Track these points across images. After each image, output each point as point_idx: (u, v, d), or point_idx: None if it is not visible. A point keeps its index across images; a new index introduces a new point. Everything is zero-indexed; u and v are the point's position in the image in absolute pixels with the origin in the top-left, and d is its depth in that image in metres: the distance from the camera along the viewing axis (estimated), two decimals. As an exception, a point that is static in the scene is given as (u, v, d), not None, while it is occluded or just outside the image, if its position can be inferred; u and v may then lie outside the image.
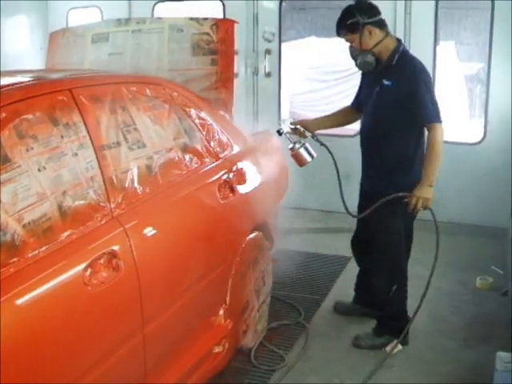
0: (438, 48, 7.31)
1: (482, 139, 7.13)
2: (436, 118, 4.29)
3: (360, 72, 4.76)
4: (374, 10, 4.42)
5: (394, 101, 4.37)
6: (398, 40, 4.49)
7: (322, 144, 4.63)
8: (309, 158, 4.58)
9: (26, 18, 8.80)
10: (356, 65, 4.54)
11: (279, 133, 4.62)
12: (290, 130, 4.68)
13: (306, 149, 4.56)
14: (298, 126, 4.69)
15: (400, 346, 4.61)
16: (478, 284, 5.78)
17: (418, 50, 6.95)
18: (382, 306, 4.78)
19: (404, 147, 4.42)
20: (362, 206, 4.74)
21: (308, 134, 4.68)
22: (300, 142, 4.57)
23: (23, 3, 8.62)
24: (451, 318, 5.14)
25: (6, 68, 4.33)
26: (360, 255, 5.07)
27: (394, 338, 4.67)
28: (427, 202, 4.28)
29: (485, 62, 7.33)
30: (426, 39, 7.15)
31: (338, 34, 4.47)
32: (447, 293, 5.44)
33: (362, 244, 4.97)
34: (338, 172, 4.64)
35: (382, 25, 4.41)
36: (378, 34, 4.36)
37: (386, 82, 4.41)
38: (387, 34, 4.42)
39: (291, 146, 4.58)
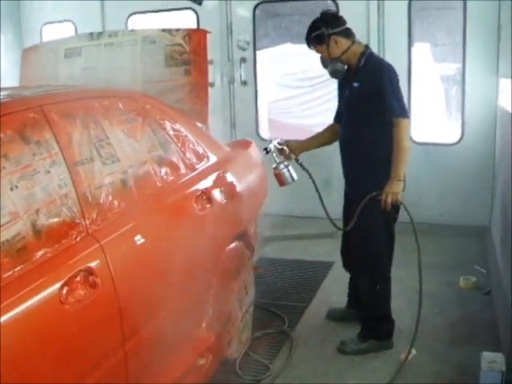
0: (412, 49, 7.33)
1: (460, 139, 7.16)
2: (400, 113, 4.36)
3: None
4: (339, 21, 4.60)
5: (362, 100, 4.49)
6: (366, 46, 4.63)
7: (304, 169, 4.76)
8: (289, 180, 4.70)
9: (0, 35, 8.76)
10: (328, 73, 4.69)
11: (266, 151, 4.75)
12: (276, 150, 4.77)
13: (289, 171, 4.69)
14: (285, 148, 4.78)
15: (414, 351, 4.57)
16: (462, 284, 5.80)
17: (393, 51, 7.04)
18: (365, 307, 4.79)
19: (377, 147, 4.47)
20: (346, 209, 4.82)
21: (293, 156, 4.80)
22: (284, 164, 4.69)
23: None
24: (436, 319, 5.15)
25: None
26: (349, 259, 5.03)
27: (379, 342, 4.71)
28: (397, 196, 4.35)
29: (460, 62, 7.36)
30: (400, 40, 7.20)
31: (308, 45, 4.64)
32: (431, 294, 5.44)
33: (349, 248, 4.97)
34: (319, 195, 4.79)
35: (347, 34, 4.57)
36: (343, 42, 4.53)
37: (354, 84, 4.56)
38: (353, 41, 4.56)
39: (275, 165, 4.71)
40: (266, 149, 4.76)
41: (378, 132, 4.45)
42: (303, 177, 4.76)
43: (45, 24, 8.84)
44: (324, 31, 4.49)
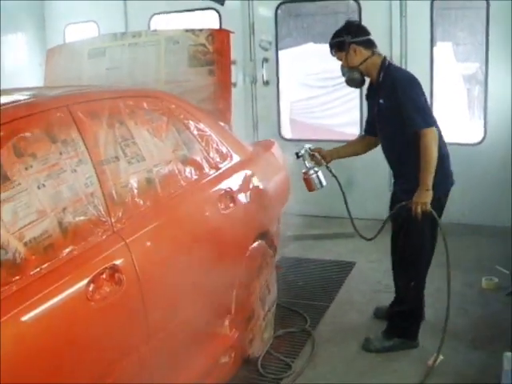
0: (434, 49, 7.31)
1: (483, 139, 7.13)
2: (422, 124, 4.38)
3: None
4: (361, 31, 4.66)
5: (389, 116, 4.56)
6: (384, 58, 4.66)
7: (333, 175, 4.82)
8: (318, 186, 4.76)
9: (24, 35, 8.84)
10: (345, 82, 4.81)
11: (297, 155, 4.79)
12: (307, 155, 4.81)
13: (318, 177, 4.74)
14: (316, 154, 4.82)
15: (441, 357, 4.53)
16: (484, 284, 5.77)
17: (415, 51, 7.02)
18: (397, 301, 4.83)
19: (415, 153, 4.44)
20: (392, 209, 4.84)
21: (323, 162, 4.84)
22: (314, 170, 4.75)
23: (21, 21, 8.66)
24: (458, 320, 5.11)
25: (4, 86, 4.33)
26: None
27: (404, 341, 4.72)
28: (426, 206, 4.39)
29: (482, 62, 7.33)
30: (423, 40, 7.17)
31: (330, 52, 4.74)
32: (453, 294, 5.40)
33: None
34: (346, 202, 4.88)
35: (367, 44, 4.62)
36: (363, 52, 4.59)
37: (380, 101, 4.62)
38: (373, 52, 4.62)
39: (305, 170, 4.76)
40: (297, 153, 4.79)
41: (412, 140, 4.44)
42: (327, 177, 4.80)
43: (68, 24, 8.89)
44: (345, 39, 4.57)
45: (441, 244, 4.49)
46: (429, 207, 4.39)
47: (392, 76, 4.56)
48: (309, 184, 4.77)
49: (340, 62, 4.69)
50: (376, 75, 4.62)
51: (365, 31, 4.68)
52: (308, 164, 4.78)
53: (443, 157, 4.51)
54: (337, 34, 4.66)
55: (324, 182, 4.76)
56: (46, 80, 5.54)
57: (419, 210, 4.38)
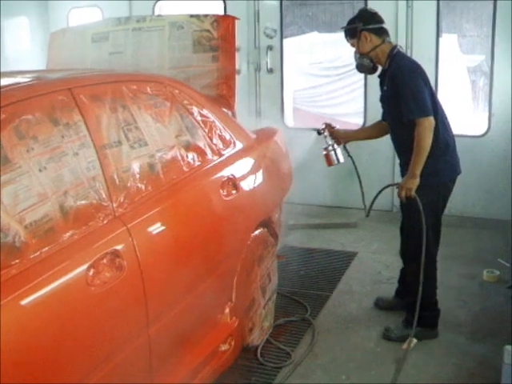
0: (440, 40, 7.26)
1: (487, 131, 7.10)
2: (418, 113, 4.44)
3: None
4: (374, 18, 4.77)
5: (391, 102, 4.67)
6: (393, 46, 4.73)
7: (349, 155, 5.17)
8: (336, 162, 5.07)
9: (26, 19, 8.80)
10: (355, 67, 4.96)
11: (319, 132, 5.12)
12: (328, 133, 5.09)
13: (336, 153, 5.05)
14: (336, 131, 5.08)
15: (415, 340, 4.61)
16: (485, 277, 5.76)
17: (421, 42, 6.99)
18: (411, 292, 4.79)
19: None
20: None
21: (342, 142, 5.12)
22: (333, 147, 5.04)
23: (24, 5, 8.61)
24: (458, 312, 5.12)
25: (7, 70, 4.30)
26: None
27: (423, 329, 4.72)
28: (410, 192, 4.53)
29: (488, 54, 7.30)
30: (429, 31, 7.13)
31: (346, 38, 4.87)
32: (454, 286, 5.43)
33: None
34: (360, 183, 5.17)
35: (379, 32, 4.73)
36: (374, 39, 4.71)
37: (385, 88, 4.77)
38: (384, 40, 4.72)
39: (325, 146, 5.06)
40: (318, 130, 5.10)
41: (412, 128, 4.48)
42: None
43: (72, 9, 8.84)
44: (357, 26, 4.69)
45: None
46: (413, 193, 4.52)
47: (396, 64, 4.62)
48: (328, 159, 5.05)
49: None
50: (384, 63, 4.70)
51: (378, 19, 4.77)
52: (329, 141, 5.05)
53: (447, 144, 4.61)
54: (350, 21, 4.78)
55: (342, 159, 5.06)
56: (48, 64, 5.48)
57: (403, 194, 4.55)
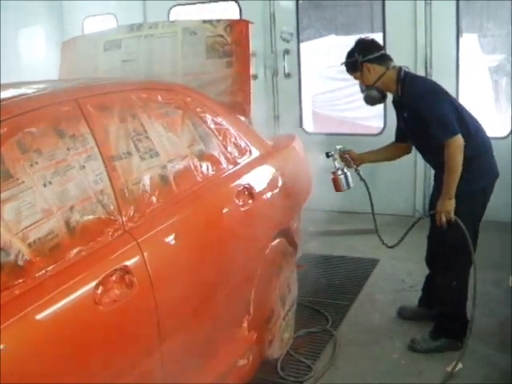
0: (460, 40, 7.14)
1: (510, 133, 6.97)
2: (445, 136, 4.31)
3: None
4: (373, 48, 4.62)
5: (418, 130, 4.51)
6: (399, 70, 4.57)
7: (362, 179, 4.82)
8: (345, 187, 4.76)
9: (42, 28, 8.79)
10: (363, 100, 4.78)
11: (327, 155, 4.77)
12: (338, 156, 4.81)
13: (346, 178, 4.74)
14: (347, 155, 4.82)
15: (461, 365, 4.40)
16: (511, 283, 5.60)
17: (441, 43, 6.88)
18: (440, 303, 4.71)
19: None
20: (431, 204, 4.77)
21: (353, 165, 4.83)
22: (343, 170, 4.74)
23: (39, 14, 8.62)
24: (484, 321, 4.94)
25: (23, 79, 4.24)
26: (431, 255, 4.96)
27: (450, 341, 4.61)
28: (449, 215, 4.40)
29: (509, 53, 7.17)
30: (448, 30, 7.02)
31: (347, 72, 4.73)
32: (479, 293, 5.26)
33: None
34: (372, 206, 4.88)
35: (381, 60, 4.58)
36: (377, 69, 4.55)
37: (405, 115, 4.61)
38: (388, 67, 4.57)
39: (334, 170, 4.75)
40: (327, 153, 4.77)
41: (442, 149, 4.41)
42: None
43: (87, 17, 8.81)
44: (357, 59, 4.55)
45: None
46: (452, 215, 4.39)
47: (410, 89, 4.49)
48: (337, 184, 4.75)
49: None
50: (395, 89, 4.57)
51: (377, 47, 4.65)
52: (338, 164, 4.76)
53: (479, 150, 4.51)
54: (349, 55, 4.64)
55: (352, 184, 4.75)
56: (60, 74, 5.42)
57: (444, 219, 4.39)
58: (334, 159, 4.77)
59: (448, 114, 4.35)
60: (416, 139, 4.68)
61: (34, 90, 3.23)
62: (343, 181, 4.72)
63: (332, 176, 4.74)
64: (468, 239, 4.37)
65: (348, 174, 4.74)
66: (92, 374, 2.67)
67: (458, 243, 4.43)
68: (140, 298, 2.91)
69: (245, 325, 4.06)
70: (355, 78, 4.66)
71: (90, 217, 2.86)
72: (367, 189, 4.83)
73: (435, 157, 4.48)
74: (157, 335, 3.04)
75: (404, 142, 4.83)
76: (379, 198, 4.97)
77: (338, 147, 4.80)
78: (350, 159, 4.80)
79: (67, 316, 2.58)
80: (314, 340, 4.89)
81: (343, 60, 4.64)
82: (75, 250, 2.73)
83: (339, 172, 4.71)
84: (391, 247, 4.87)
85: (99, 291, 2.72)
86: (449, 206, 4.37)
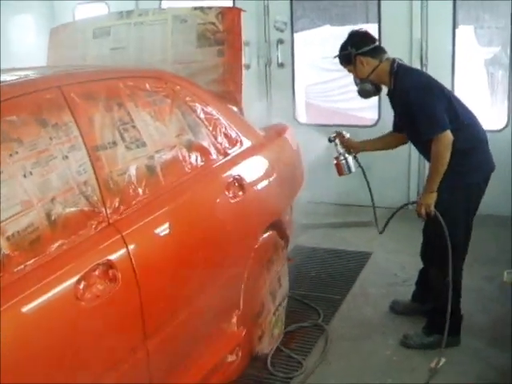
0: (457, 31, 7.08)
1: (506, 126, 6.90)
2: (433, 131, 4.28)
3: None
4: (366, 40, 4.59)
5: (410, 123, 4.46)
6: (391, 63, 4.53)
7: (360, 166, 4.97)
8: (347, 171, 4.89)
9: (31, 15, 8.66)
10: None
11: (329, 140, 4.90)
12: (339, 141, 4.89)
13: (348, 163, 4.87)
14: (347, 138, 4.91)
15: (443, 360, 4.35)
16: (506, 278, 5.49)
17: (437, 34, 6.81)
18: (433, 298, 4.66)
19: None
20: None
21: (352, 152, 4.93)
22: (344, 156, 4.86)
23: (30, 0, 8.46)
24: (477, 317, 4.90)
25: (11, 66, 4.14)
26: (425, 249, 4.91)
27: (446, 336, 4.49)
28: (429, 208, 4.40)
29: (506, 45, 7.10)
30: (445, 23, 6.96)
31: (341, 64, 4.71)
32: (472, 289, 5.19)
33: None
34: (370, 192, 4.99)
35: (374, 52, 4.55)
36: (370, 62, 4.53)
37: (398, 109, 4.63)
38: (381, 59, 4.54)
39: (336, 155, 4.88)
40: (329, 138, 4.89)
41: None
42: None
43: (78, 4, 8.68)
44: (350, 52, 4.52)
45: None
46: (432, 209, 4.39)
47: (401, 83, 4.46)
48: (339, 169, 4.88)
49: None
50: (388, 82, 4.53)
51: (370, 39, 4.61)
52: (340, 149, 4.87)
53: (474, 143, 4.47)
54: (342, 47, 4.61)
55: (353, 169, 4.88)
56: (48, 61, 5.33)
57: (423, 211, 4.41)
58: (336, 144, 4.86)
59: (438, 109, 4.30)
60: (408, 131, 4.64)
61: (16, 77, 3.13)
62: (345, 165, 4.84)
63: (334, 161, 4.86)
64: (445, 233, 4.32)
65: (349, 158, 4.85)
66: (75, 371, 2.59)
67: (455, 237, 4.37)
68: (124, 293, 2.82)
69: (234, 320, 3.97)
70: (349, 70, 4.64)
71: (73, 209, 2.76)
72: (365, 176, 4.96)
73: (427, 149, 4.42)
74: (142, 331, 2.95)
75: (401, 132, 4.79)
76: (373, 190, 4.93)
77: (339, 131, 4.89)
78: (349, 146, 4.89)
79: (47, 312, 2.49)
80: (305, 335, 4.80)
81: (337, 52, 4.56)
82: (56, 244, 2.63)
83: (341, 157, 4.83)
84: (380, 233, 4.93)
85: (81, 286, 2.62)
86: (429, 200, 4.38)
